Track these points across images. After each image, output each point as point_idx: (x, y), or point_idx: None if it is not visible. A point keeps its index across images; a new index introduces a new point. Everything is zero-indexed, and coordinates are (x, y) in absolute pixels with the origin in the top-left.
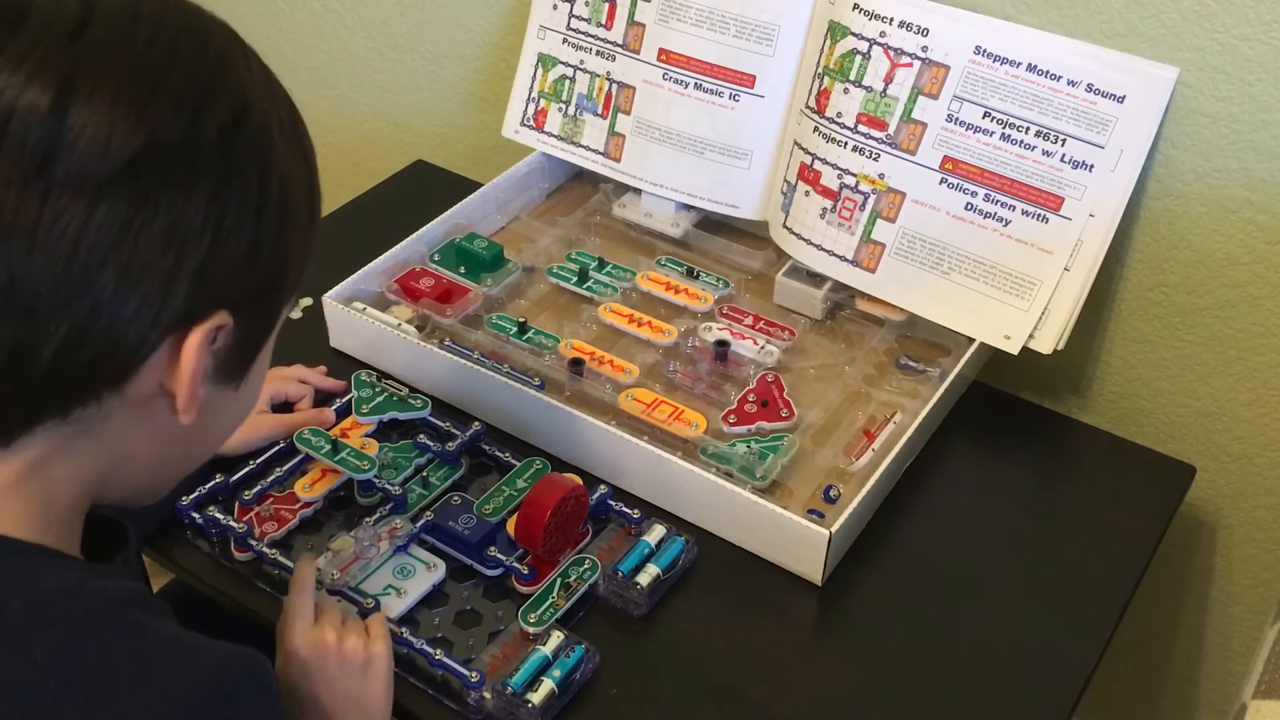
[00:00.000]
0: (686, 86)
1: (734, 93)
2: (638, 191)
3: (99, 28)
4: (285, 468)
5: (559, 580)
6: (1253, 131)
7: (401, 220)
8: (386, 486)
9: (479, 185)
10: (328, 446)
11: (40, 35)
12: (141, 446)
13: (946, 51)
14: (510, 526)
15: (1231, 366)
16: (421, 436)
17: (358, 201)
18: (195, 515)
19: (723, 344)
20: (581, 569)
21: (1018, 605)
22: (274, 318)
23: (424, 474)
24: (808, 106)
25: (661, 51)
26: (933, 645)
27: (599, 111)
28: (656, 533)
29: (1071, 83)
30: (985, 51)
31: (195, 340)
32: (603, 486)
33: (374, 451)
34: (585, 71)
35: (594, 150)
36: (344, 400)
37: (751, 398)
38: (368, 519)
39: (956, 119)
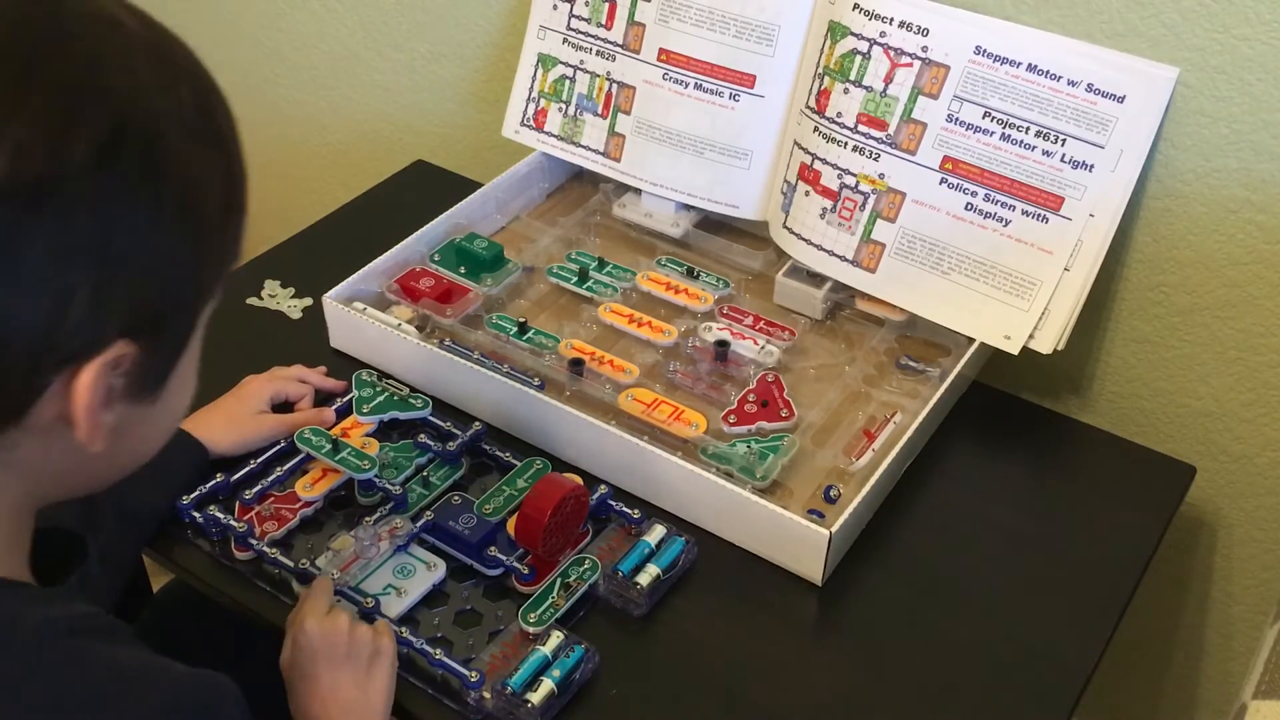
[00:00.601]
0: (686, 86)
1: (734, 93)
2: (638, 191)
3: None
4: (286, 467)
5: (559, 580)
6: (1253, 131)
7: (401, 220)
8: (387, 486)
9: (479, 185)
10: (328, 446)
11: None
12: (62, 467)
13: (946, 51)
14: (510, 526)
15: (1231, 366)
16: (422, 436)
17: (358, 201)
18: (195, 514)
19: (723, 344)
20: (581, 569)
21: (1018, 605)
22: (188, 328)
23: (424, 474)
24: (808, 106)
25: (661, 51)
26: (933, 645)
27: (599, 111)
28: (656, 533)
29: (1071, 83)
30: (985, 51)
31: (88, 377)
32: (603, 486)
33: (374, 451)
34: (585, 71)
35: (594, 150)
36: (344, 400)
37: (751, 398)
38: (368, 518)
39: (956, 119)
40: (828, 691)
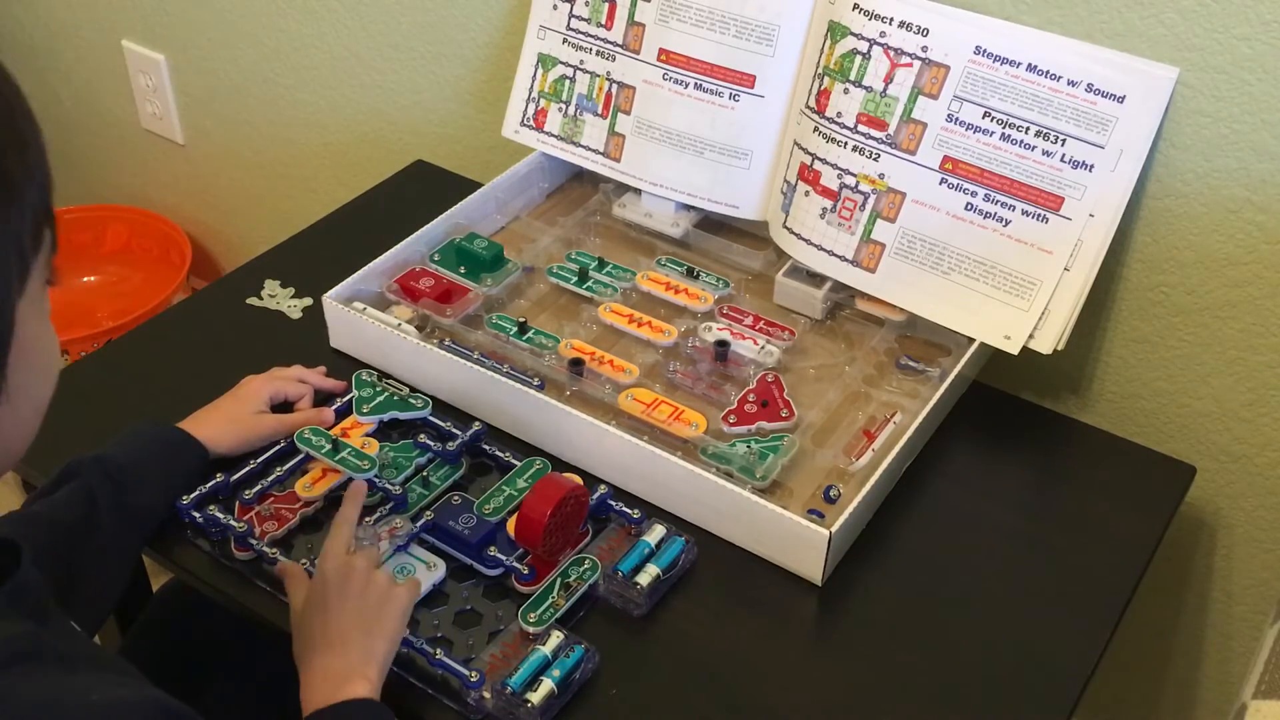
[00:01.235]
0: (686, 86)
1: (734, 93)
2: (638, 191)
3: None
4: (286, 467)
5: (559, 580)
6: (1253, 131)
7: (401, 220)
8: (387, 486)
9: (479, 185)
10: (328, 446)
11: None
12: None
13: (946, 51)
14: (510, 526)
15: (1231, 366)
16: (422, 436)
17: (358, 201)
18: (195, 514)
19: (723, 344)
20: (581, 569)
21: (1018, 605)
22: (5, 319)
23: (424, 474)
24: (808, 106)
25: (661, 51)
26: (933, 645)
27: (599, 111)
28: (656, 533)
29: (1071, 83)
30: (985, 51)
31: None
32: (603, 486)
33: (374, 451)
34: (585, 71)
35: (594, 150)
36: (344, 400)
37: (751, 398)
38: (368, 518)
39: (956, 119)
40: (828, 691)
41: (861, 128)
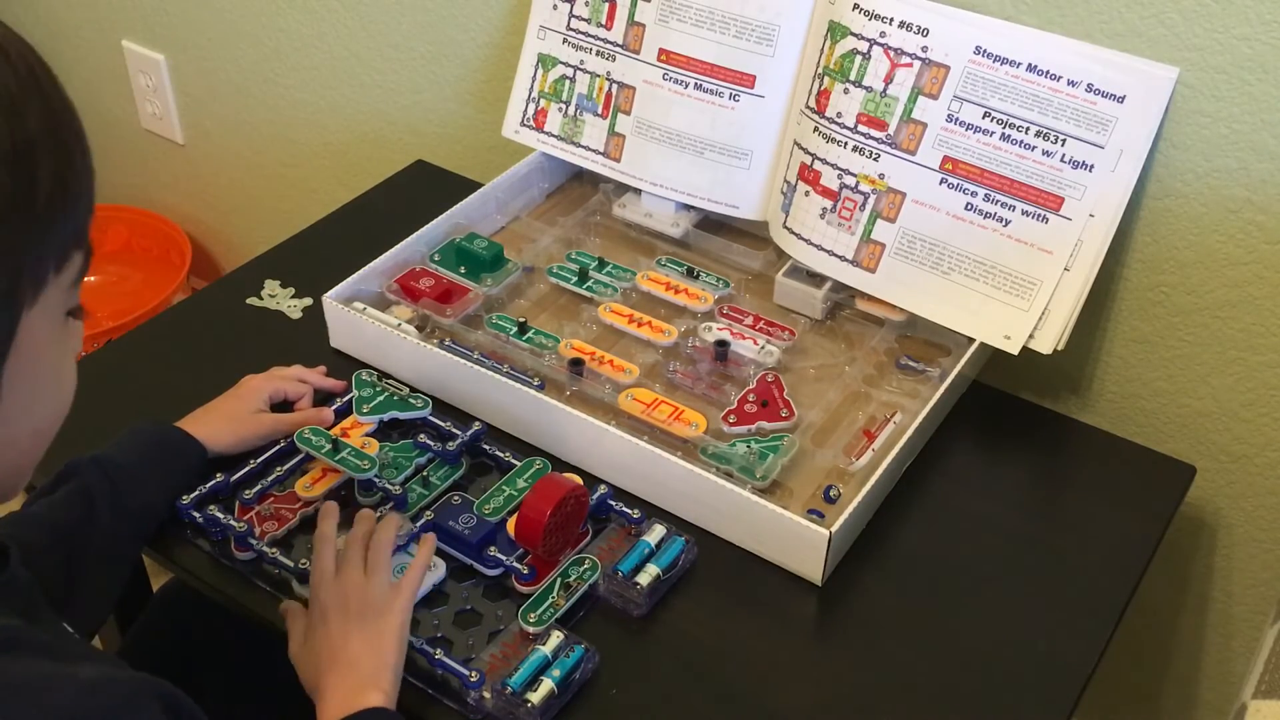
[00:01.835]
0: (686, 86)
1: (734, 93)
2: (638, 191)
3: None
4: (286, 467)
5: (559, 580)
6: (1253, 131)
7: (401, 220)
8: (387, 486)
9: (479, 185)
10: (328, 446)
11: None
12: None
13: (946, 51)
14: (510, 526)
15: (1231, 366)
16: (422, 436)
17: (358, 201)
18: (195, 514)
19: (723, 344)
20: (581, 569)
21: (1018, 605)
22: (6, 324)
23: (424, 474)
24: (808, 106)
25: (661, 51)
26: (933, 645)
27: (599, 111)
28: (656, 533)
29: (1071, 83)
30: (985, 51)
31: None
32: (603, 486)
33: (374, 451)
34: (585, 71)
35: (594, 150)
36: (344, 400)
37: (751, 398)
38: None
39: (956, 119)
40: (828, 691)
41: (861, 128)
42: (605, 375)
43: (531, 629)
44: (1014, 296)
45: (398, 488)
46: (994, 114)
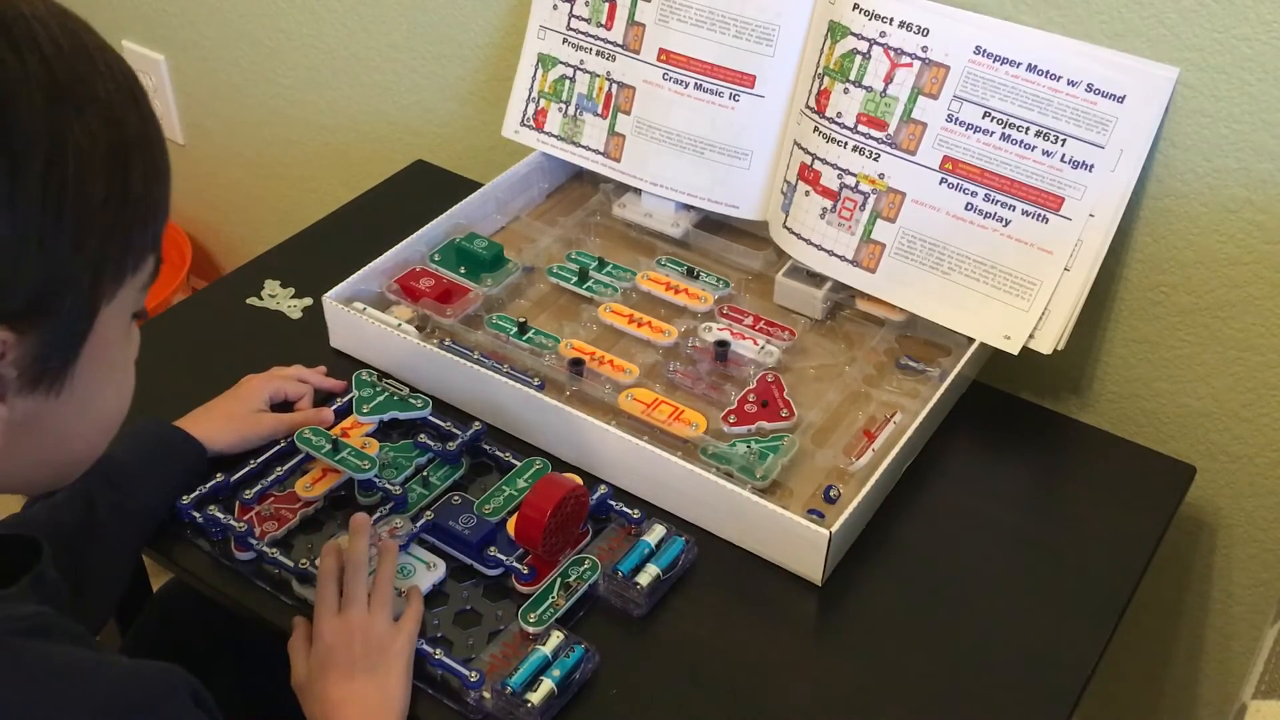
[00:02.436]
0: (686, 86)
1: (734, 93)
2: (638, 191)
3: None
4: (286, 467)
5: (559, 580)
6: (1253, 131)
7: (401, 220)
8: (387, 486)
9: (479, 185)
10: (328, 446)
11: None
12: None
13: (946, 51)
14: (510, 526)
15: (1231, 366)
16: (422, 436)
17: (358, 201)
18: (195, 514)
19: (723, 344)
20: (581, 569)
21: (1018, 605)
22: (87, 315)
23: (424, 474)
24: (808, 106)
25: (661, 51)
26: (933, 645)
27: (599, 111)
28: (656, 533)
29: (1071, 83)
30: (985, 51)
31: None
32: (603, 486)
33: (374, 451)
34: (585, 71)
35: (594, 150)
36: (344, 400)
37: (751, 398)
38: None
39: (956, 119)
40: (828, 691)
41: (861, 128)
42: (605, 375)
43: (531, 629)
44: (1014, 296)
45: (398, 488)
46: (994, 114)
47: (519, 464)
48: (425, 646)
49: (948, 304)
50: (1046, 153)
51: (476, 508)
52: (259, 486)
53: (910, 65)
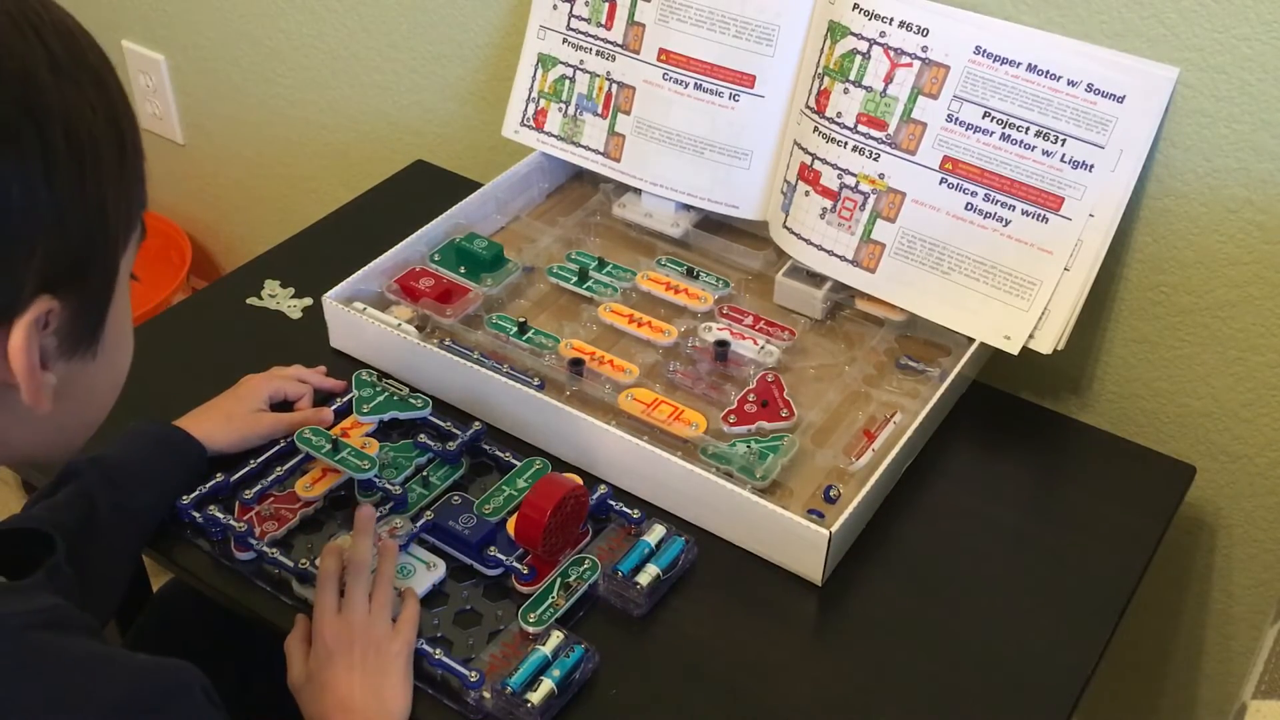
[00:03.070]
0: (686, 86)
1: (734, 93)
2: (638, 191)
3: None
4: (285, 467)
5: (559, 580)
6: (1253, 131)
7: (401, 220)
8: (387, 486)
9: (479, 185)
10: (328, 446)
11: None
12: (14, 435)
13: (946, 51)
14: (510, 526)
15: (1231, 366)
16: (422, 436)
17: (358, 201)
18: (195, 514)
19: (723, 344)
20: (581, 569)
21: (1018, 605)
22: (111, 274)
23: (424, 474)
24: (808, 106)
25: (661, 51)
26: (933, 645)
27: (599, 111)
28: (656, 533)
29: (1071, 83)
30: (985, 51)
31: (19, 338)
32: (603, 486)
33: (374, 451)
34: (585, 71)
35: (594, 150)
36: (344, 400)
37: (751, 398)
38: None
39: (956, 119)
40: (828, 691)
41: (861, 128)
42: (605, 375)
43: (531, 629)
44: (1014, 296)
45: (398, 488)
46: (994, 114)
47: (519, 464)
48: (425, 646)
49: (948, 304)
50: (1046, 153)
51: (476, 508)
52: (259, 486)
53: (910, 65)
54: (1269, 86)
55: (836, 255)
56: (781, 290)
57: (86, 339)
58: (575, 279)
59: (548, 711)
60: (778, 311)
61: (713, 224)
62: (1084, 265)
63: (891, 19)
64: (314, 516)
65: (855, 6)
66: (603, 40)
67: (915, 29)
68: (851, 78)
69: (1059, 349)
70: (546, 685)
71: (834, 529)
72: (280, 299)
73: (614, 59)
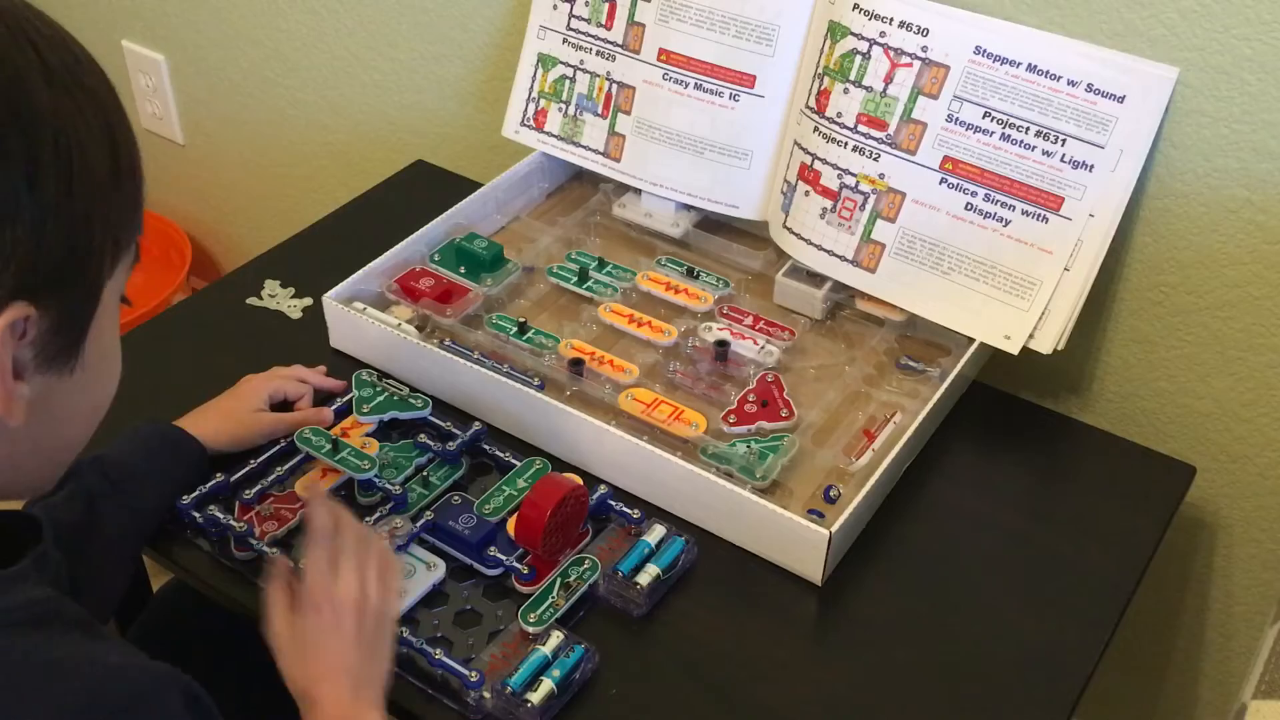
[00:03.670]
0: (686, 86)
1: (734, 93)
2: (638, 191)
3: None
4: (285, 467)
5: (559, 580)
6: (1253, 131)
7: (401, 220)
8: (387, 486)
9: (479, 185)
10: (328, 446)
11: None
12: None
13: (946, 51)
14: (510, 526)
15: (1231, 366)
16: (422, 436)
17: (358, 201)
18: (195, 514)
19: (723, 344)
20: (581, 569)
21: (1018, 605)
22: (94, 292)
23: (424, 474)
24: (808, 106)
25: (661, 51)
26: (933, 645)
27: (599, 111)
28: (656, 533)
29: (1071, 83)
30: (985, 51)
31: None
32: (603, 486)
33: (374, 451)
34: (585, 71)
35: (594, 150)
36: (344, 400)
37: (751, 398)
38: (368, 518)
39: (956, 119)
40: (828, 691)
41: (861, 128)
42: (605, 375)
43: (531, 629)
44: (1014, 296)
45: (398, 488)
46: (994, 114)
47: (519, 464)
48: (425, 646)
49: (948, 304)
50: (1046, 153)
51: (476, 508)
52: (259, 486)
53: (910, 65)
54: (1269, 86)
55: (836, 255)
56: (781, 290)
57: (65, 353)
58: (575, 279)
59: (548, 711)
60: (778, 311)
61: (713, 224)
62: (1084, 265)
63: (891, 19)
64: None
65: (855, 6)
66: (603, 40)
67: (915, 29)
68: (851, 78)
69: (1059, 349)
70: (546, 685)
71: (834, 529)
72: (280, 299)
73: (614, 59)
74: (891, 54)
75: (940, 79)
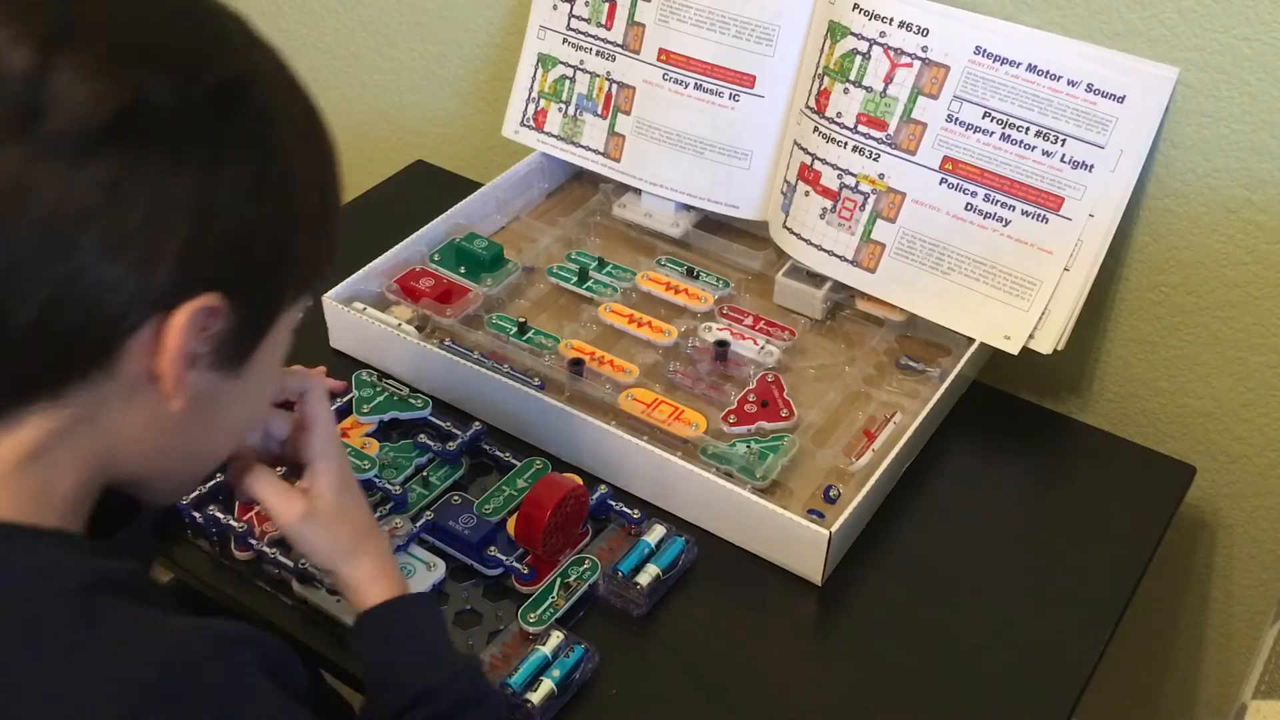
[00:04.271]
0: (686, 86)
1: (734, 93)
2: (638, 191)
3: None
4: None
5: (559, 580)
6: (1253, 131)
7: (401, 220)
8: (387, 486)
9: (479, 185)
10: None
11: None
12: (140, 434)
13: (946, 51)
14: (510, 526)
15: (1231, 366)
16: (422, 436)
17: (358, 201)
18: (195, 514)
19: (723, 344)
20: (581, 569)
21: (1018, 605)
22: (274, 307)
23: (424, 474)
24: (808, 106)
25: (661, 51)
26: (933, 645)
27: (599, 111)
28: (656, 533)
29: (1071, 83)
30: (985, 51)
31: (181, 319)
32: (603, 486)
33: (374, 451)
34: (585, 71)
35: (594, 150)
36: (344, 400)
37: (751, 398)
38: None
39: (956, 119)
40: (828, 691)
41: (861, 128)
42: (605, 375)
43: (531, 629)
44: (1014, 296)
45: (398, 488)
46: (994, 114)
47: (519, 464)
48: None
49: (948, 304)
50: (1046, 153)
51: (476, 508)
52: None
53: (910, 65)
54: (1269, 86)
55: (836, 255)
56: (781, 290)
57: (236, 357)
58: (575, 279)
59: (548, 711)
60: (778, 311)
61: (713, 224)
62: (1084, 265)
63: (891, 19)
64: None
65: (855, 6)
66: (603, 40)
67: (915, 29)
68: (851, 78)
69: (1059, 349)
70: (546, 685)
71: (834, 529)
72: None
73: (614, 59)
74: (891, 54)
75: (940, 79)
